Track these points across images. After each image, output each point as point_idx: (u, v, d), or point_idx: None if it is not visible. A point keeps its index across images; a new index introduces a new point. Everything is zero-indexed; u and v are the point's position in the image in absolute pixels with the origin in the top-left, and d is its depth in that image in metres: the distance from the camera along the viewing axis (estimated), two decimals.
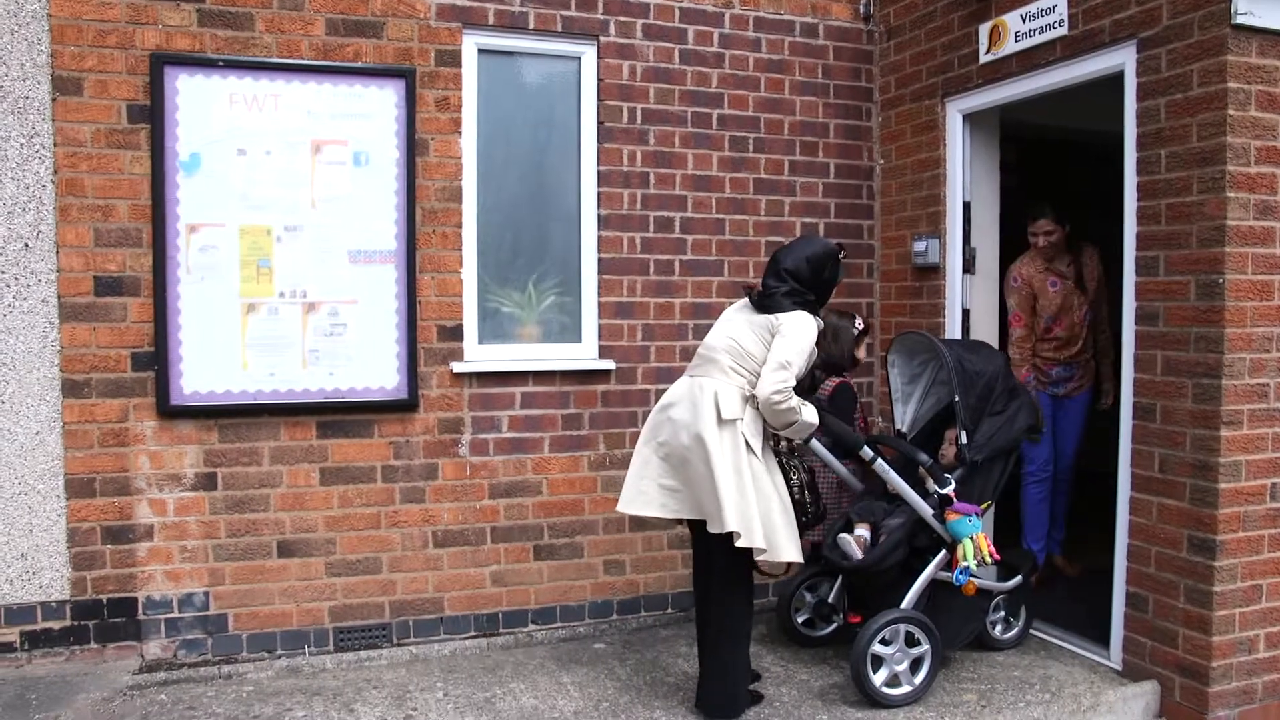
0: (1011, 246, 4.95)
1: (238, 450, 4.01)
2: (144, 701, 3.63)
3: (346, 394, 4.13)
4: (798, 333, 3.39)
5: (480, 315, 4.38)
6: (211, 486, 3.99)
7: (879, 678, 3.55)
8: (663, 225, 4.58)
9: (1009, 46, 4.17)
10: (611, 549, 4.52)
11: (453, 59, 4.22)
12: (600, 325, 4.52)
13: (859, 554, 3.68)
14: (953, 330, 4.60)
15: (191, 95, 3.90)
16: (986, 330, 4.70)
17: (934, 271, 4.66)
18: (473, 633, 4.33)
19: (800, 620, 4.18)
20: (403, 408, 4.19)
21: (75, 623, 3.85)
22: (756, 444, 3.37)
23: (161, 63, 3.84)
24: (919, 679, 3.60)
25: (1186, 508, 3.51)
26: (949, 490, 3.63)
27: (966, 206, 4.58)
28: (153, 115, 3.84)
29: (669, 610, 4.61)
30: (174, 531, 3.95)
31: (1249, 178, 3.37)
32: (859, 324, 4.20)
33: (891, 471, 3.69)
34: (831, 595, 4.08)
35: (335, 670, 4.00)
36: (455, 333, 4.27)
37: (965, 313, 4.61)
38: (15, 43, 3.71)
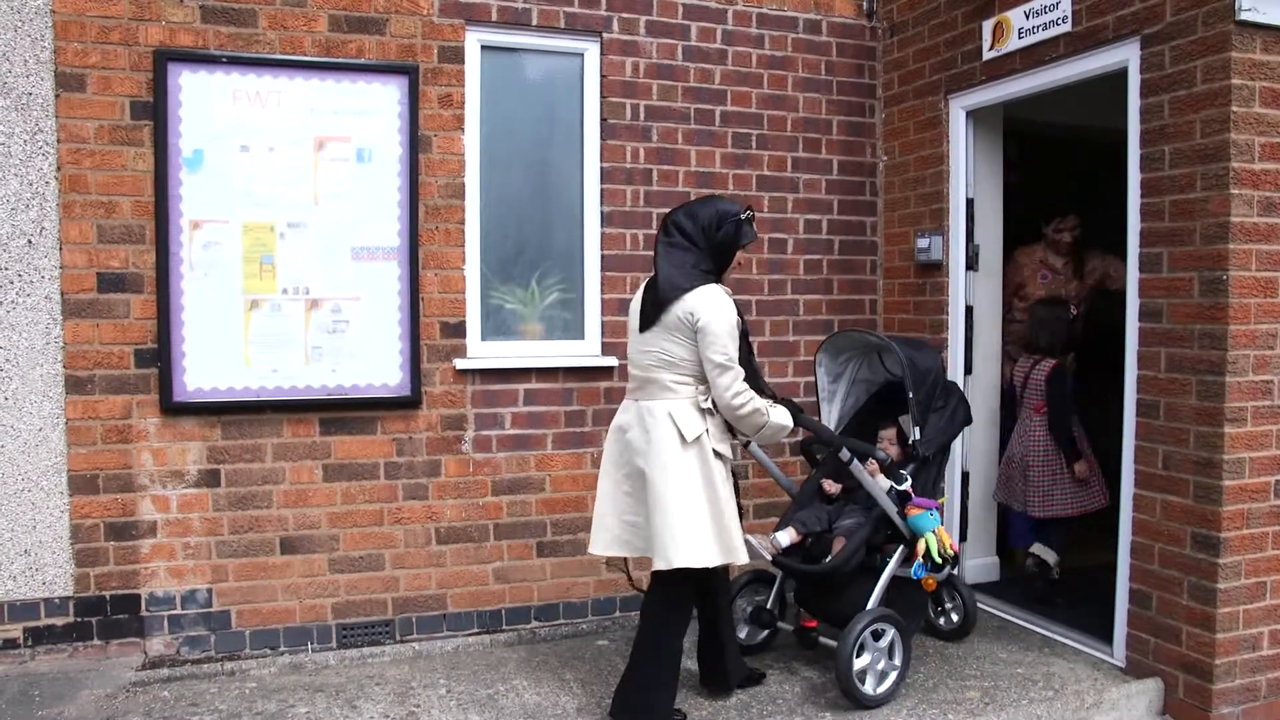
0: (1016, 244, 4.96)
1: (240, 447, 4.01)
2: (147, 698, 3.64)
3: (349, 391, 4.13)
4: (716, 321, 3.13)
5: (483, 312, 4.38)
6: (214, 483, 3.99)
7: (862, 664, 3.54)
8: None
9: (1012, 43, 4.16)
10: None
11: (456, 55, 4.22)
12: (603, 322, 4.51)
13: (785, 543, 3.73)
14: (956, 328, 4.59)
15: (194, 92, 3.90)
16: (990, 327, 4.70)
17: (937, 269, 4.65)
18: (476, 629, 4.33)
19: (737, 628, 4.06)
20: (406, 404, 4.19)
21: (78, 619, 3.85)
22: (726, 449, 3.27)
23: (165, 59, 3.84)
24: (889, 681, 3.59)
25: (1190, 504, 3.50)
26: (907, 486, 3.65)
27: (970, 203, 4.58)
28: (156, 112, 3.84)
29: None
30: (177, 528, 3.95)
31: (1253, 174, 3.36)
32: (1073, 310, 4.21)
33: (865, 472, 3.65)
34: (769, 601, 3.96)
35: (338, 667, 4.01)
36: (458, 329, 4.27)
37: (968, 310, 4.61)
38: (19, 39, 3.71)
